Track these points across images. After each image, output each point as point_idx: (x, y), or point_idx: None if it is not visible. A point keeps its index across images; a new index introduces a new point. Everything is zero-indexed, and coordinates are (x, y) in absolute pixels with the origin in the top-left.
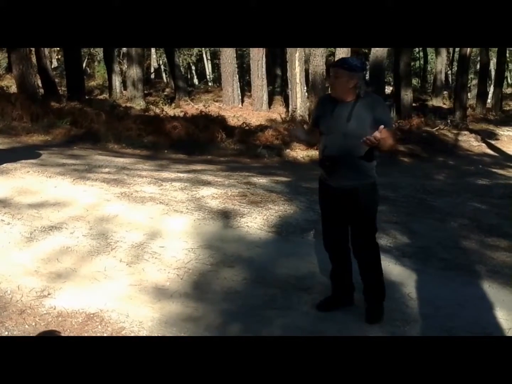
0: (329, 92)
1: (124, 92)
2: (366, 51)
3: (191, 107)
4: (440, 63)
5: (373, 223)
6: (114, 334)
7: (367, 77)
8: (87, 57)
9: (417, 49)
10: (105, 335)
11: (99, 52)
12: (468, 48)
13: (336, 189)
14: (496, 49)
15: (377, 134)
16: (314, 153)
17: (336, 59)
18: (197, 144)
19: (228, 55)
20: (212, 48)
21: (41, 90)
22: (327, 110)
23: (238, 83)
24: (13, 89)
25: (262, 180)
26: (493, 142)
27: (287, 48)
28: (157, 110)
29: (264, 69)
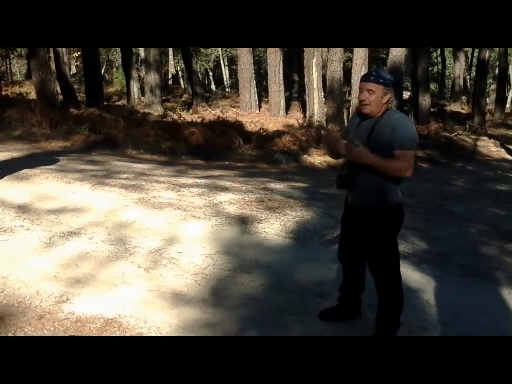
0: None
1: (142, 98)
2: (384, 56)
3: (209, 113)
4: (458, 68)
5: (385, 251)
6: None
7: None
8: (105, 64)
9: (435, 54)
10: None
11: (117, 58)
12: (487, 53)
13: (351, 206)
14: None
15: (358, 145)
16: (331, 158)
17: (353, 64)
18: (214, 149)
19: (245, 60)
20: (229, 54)
21: (60, 97)
22: (354, 125)
23: (255, 88)
24: (33, 95)
25: (279, 186)
26: None
27: (304, 54)
28: (175, 116)
29: (281, 75)
